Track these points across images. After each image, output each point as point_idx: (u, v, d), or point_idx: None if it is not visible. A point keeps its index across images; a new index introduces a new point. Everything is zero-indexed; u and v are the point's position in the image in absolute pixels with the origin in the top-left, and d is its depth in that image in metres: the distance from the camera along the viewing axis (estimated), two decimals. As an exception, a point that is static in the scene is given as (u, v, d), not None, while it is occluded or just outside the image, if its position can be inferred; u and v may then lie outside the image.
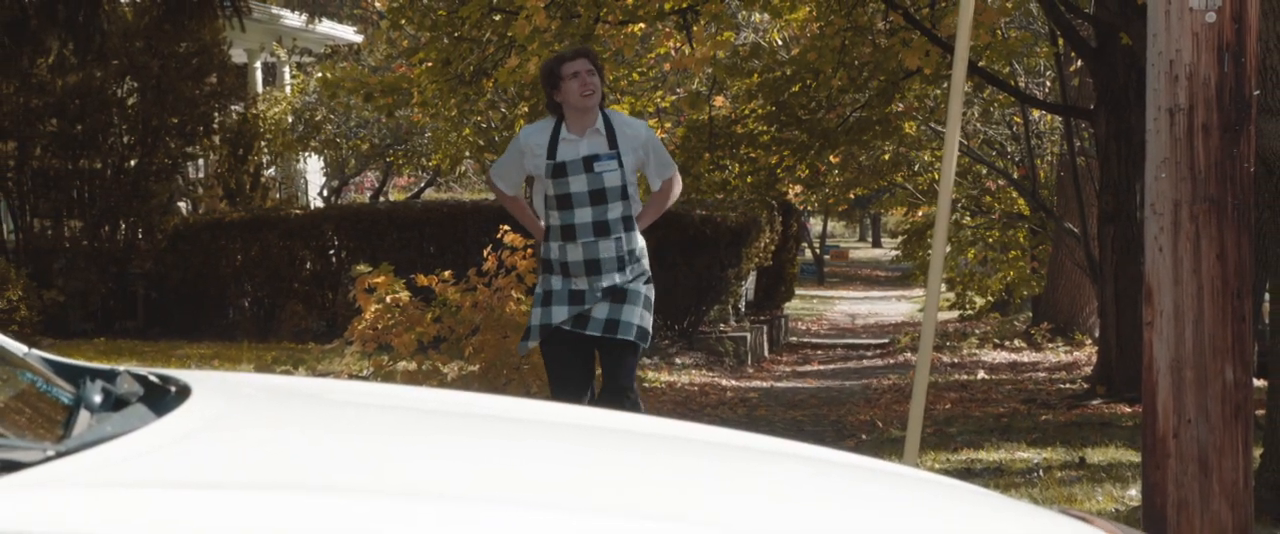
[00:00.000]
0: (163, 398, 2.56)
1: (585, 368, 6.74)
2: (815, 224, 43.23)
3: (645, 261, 6.85)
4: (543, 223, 6.85)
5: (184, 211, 17.57)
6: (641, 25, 12.38)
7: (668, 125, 16.72)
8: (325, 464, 2.30)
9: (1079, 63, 15.19)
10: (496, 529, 1.98)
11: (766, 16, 16.04)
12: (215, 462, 2.23)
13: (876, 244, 57.00)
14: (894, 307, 30.42)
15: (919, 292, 29.73)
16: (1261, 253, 6.63)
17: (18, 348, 2.75)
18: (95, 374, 2.68)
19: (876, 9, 13.36)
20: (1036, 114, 19.12)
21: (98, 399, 2.50)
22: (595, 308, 6.68)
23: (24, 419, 2.41)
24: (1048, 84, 19.94)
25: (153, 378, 2.69)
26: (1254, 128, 4.53)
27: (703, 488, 2.47)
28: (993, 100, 19.13)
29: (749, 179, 16.14)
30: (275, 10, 19.85)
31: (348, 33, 22.25)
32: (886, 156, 19.48)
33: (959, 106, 5.62)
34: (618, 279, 6.67)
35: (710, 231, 16.93)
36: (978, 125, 20.93)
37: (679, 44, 12.92)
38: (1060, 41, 14.43)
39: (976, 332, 21.42)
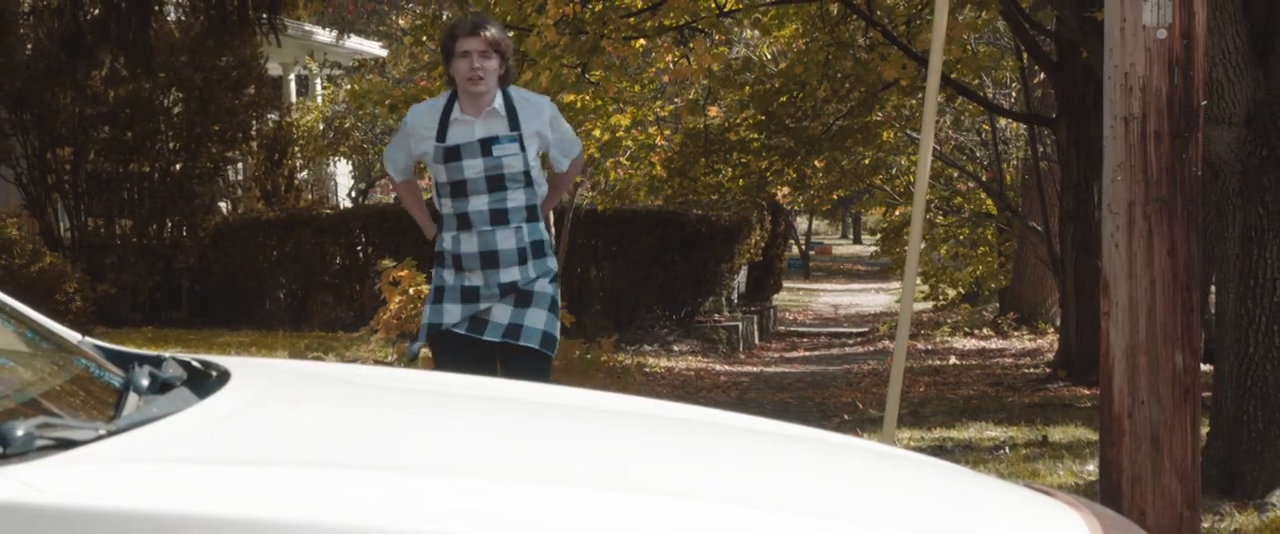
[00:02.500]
0: (205, 381, 2.55)
1: None
2: (801, 223, 43.19)
3: (552, 258, 5.62)
4: (440, 212, 5.64)
5: (224, 211, 17.57)
6: (643, 41, 12.37)
7: (667, 132, 16.71)
8: (356, 442, 2.29)
9: (1042, 75, 15.17)
10: (520, 502, 1.97)
11: (757, 33, 16.03)
12: (255, 440, 2.22)
13: (857, 241, 56.94)
14: (873, 298, 30.40)
15: (896, 284, 29.70)
16: (1208, 249, 6.64)
17: (72, 335, 2.74)
18: (142, 360, 2.67)
19: (857, 26, 13.35)
20: (1003, 122, 19.11)
21: (145, 382, 2.49)
22: (495, 309, 5.47)
23: (78, 401, 2.40)
24: (1013, 95, 19.93)
25: (195, 363, 2.68)
26: (1201, 135, 4.53)
27: (688, 463, 2.46)
28: (963, 110, 19.11)
29: (741, 182, 16.13)
30: (308, 27, 19.84)
31: (374, 48, 22.24)
32: (866, 161, 19.46)
33: (933, 115, 5.62)
34: (517, 275, 5.45)
35: (705, 230, 16.93)
36: (950, 132, 20.91)
37: (677, 58, 12.92)
38: (1025, 56, 14.42)
39: (948, 321, 21.42)
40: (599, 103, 13.53)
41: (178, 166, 16.30)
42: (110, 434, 2.07)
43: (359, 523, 1.83)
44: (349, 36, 21.35)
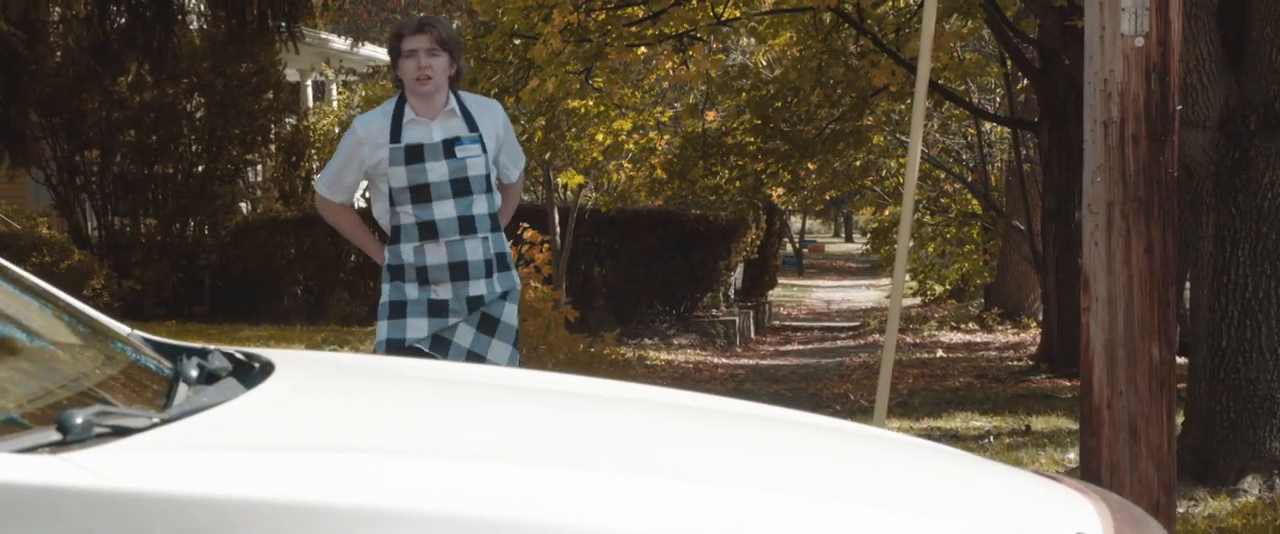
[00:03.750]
0: (250, 372, 2.55)
1: None
2: (795, 222, 43.18)
3: (515, 272, 5.16)
4: (391, 224, 5.05)
5: (244, 211, 17.58)
6: (644, 49, 12.37)
7: (667, 136, 16.71)
8: (398, 430, 2.29)
9: (1025, 81, 15.17)
10: (554, 488, 1.95)
11: (753, 41, 16.03)
12: (301, 428, 2.22)
13: (849, 239, 56.90)
14: (864, 294, 30.38)
15: (886, 281, 29.70)
16: (1184, 247, 6.65)
17: (121, 328, 2.74)
18: (190, 352, 2.67)
19: (849, 34, 13.35)
20: (988, 126, 19.10)
21: (193, 373, 2.49)
22: (459, 329, 5.02)
23: (131, 391, 2.40)
24: (998, 100, 19.92)
25: (239, 355, 2.68)
26: (1177, 138, 4.54)
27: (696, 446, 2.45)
28: (950, 114, 19.11)
29: (738, 184, 16.13)
30: (324, 35, 19.83)
31: (386, 55, 22.21)
32: (858, 163, 19.45)
33: (921, 119, 5.62)
34: (484, 289, 4.99)
35: (704, 229, 16.94)
36: (937, 136, 20.91)
37: (676, 65, 12.92)
38: (1009, 63, 14.42)
39: (936, 316, 21.41)
40: (602, 108, 13.53)
41: (200, 168, 16.31)
42: (164, 422, 2.07)
43: (406, 506, 1.83)
44: (363, 44, 21.33)
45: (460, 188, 4.94)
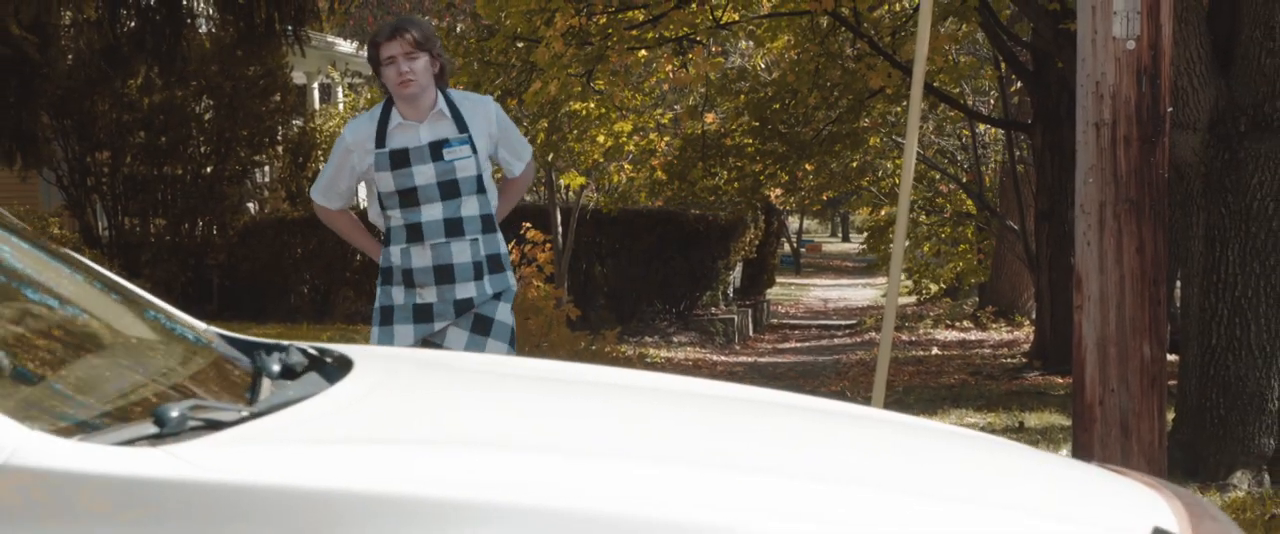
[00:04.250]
0: (329, 368, 2.53)
1: None
2: (793, 222, 43.18)
3: (511, 274, 4.94)
4: (384, 226, 4.94)
5: (252, 211, 17.58)
6: (644, 52, 12.38)
7: (667, 138, 16.71)
8: (483, 424, 2.28)
9: (1019, 84, 15.17)
10: (636, 480, 1.94)
11: (751, 44, 16.03)
12: (389, 421, 2.22)
13: (845, 239, 56.89)
14: (861, 292, 30.38)
15: (882, 279, 29.68)
16: (1174, 247, 6.64)
17: (199, 324, 2.73)
18: (267, 348, 2.66)
19: (846, 37, 13.35)
20: (982, 128, 19.10)
21: (275, 368, 2.49)
22: (449, 333, 4.84)
23: (216, 385, 2.40)
24: (992, 102, 19.92)
25: (312, 350, 2.67)
26: (1168, 139, 4.54)
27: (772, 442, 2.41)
28: (945, 116, 19.11)
29: (736, 184, 16.13)
30: (330, 39, 19.83)
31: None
32: (854, 164, 19.45)
33: (916, 121, 5.62)
34: (474, 291, 4.79)
35: (703, 229, 16.94)
36: (932, 137, 20.90)
37: (676, 67, 12.93)
38: (1003, 65, 14.42)
39: (931, 314, 21.41)
40: (603, 111, 13.54)
41: (208, 169, 16.32)
42: (252, 416, 2.06)
43: (502, 500, 1.81)
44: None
45: (449, 190, 4.77)
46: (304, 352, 2.63)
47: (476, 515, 1.79)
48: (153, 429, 1.92)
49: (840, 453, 2.37)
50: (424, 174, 4.76)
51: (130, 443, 1.86)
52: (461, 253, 4.78)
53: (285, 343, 2.71)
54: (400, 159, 4.78)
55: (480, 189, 4.81)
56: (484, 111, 4.89)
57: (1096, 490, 2.39)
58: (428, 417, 2.29)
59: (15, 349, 2.15)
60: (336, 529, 1.77)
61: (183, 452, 1.84)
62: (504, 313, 4.86)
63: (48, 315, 2.37)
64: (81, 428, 1.89)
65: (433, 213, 4.77)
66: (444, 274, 4.78)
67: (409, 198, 4.78)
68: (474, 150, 4.79)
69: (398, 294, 4.85)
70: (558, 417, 2.41)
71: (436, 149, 4.77)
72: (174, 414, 1.94)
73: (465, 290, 4.79)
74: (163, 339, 2.55)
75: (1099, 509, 2.25)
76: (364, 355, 2.62)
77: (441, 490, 1.82)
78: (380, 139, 4.81)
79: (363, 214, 5.49)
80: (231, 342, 2.74)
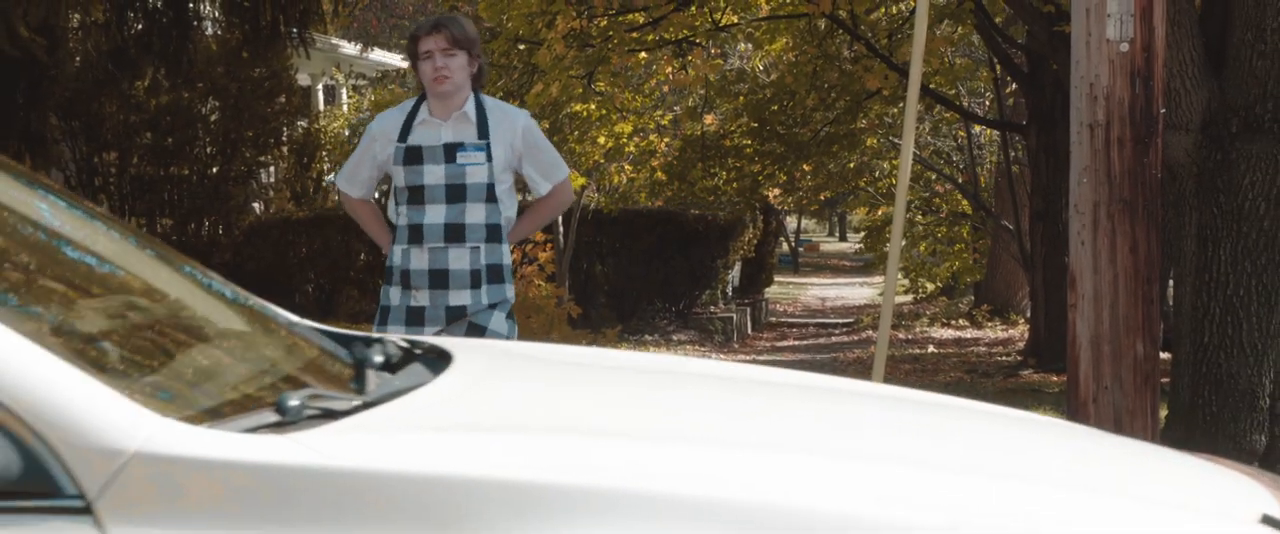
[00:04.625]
0: (427, 359, 2.51)
1: None
2: (791, 221, 43.19)
3: (510, 286, 4.76)
4: (396, 223, 4.84)
5: (257, 211, 17.58)
6: (645, 54, 12.38)
7: (667, 139, 16.72)
8: (595, 413, 2.27)
9: (1014, 85, 15.17)
10: (737, 466, 1.91)
11: (750, 46, 16.03)
12: (502, 410, 2.20)
13: (843, 238, 56.90)
14: (858, 291, 30.38)
15: (879, 278, 29.68)
16: (1167, 246, 6.65)
17: (293, 317, 2.72)
18: (363, 340, 2.65)
19: (843, 40, 13.36)
20: (978, 129, 19.11)
21: (376, 360, 2.47)
22: (439, 340, 4.65)
23: (323, 376, 2.38)
24: (987, 103, 19.92)
25: (404, 342, 2.65)
26: (1161, 140, 4.54)
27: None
28: (941, 117, 19.11)
29: (735, 184, 16.14)
30: (334, 41, 19.83)
31: (395, 60, 22.22)
32: (851, 165, 19.47)
33: (912, 122, 5.62)
34: (468, 300, 4.64)
35: (702, 228, 16.94)
36: (928, 138, 20.91)
37: (676, 69, 12.94)
38: (998, 67, 14.42)
39: (927, 312, 21.41)
40: (603, 112, 13.54)
41: (214, 170, 16.32)
42: (367, 405, 2.05)
43: (628, 486, 1.79)
44: (372, 49, 21.34)
45: (455, 194, 4.63)
46: (398, 344, 2.62)
47: (623, 504, 1.77)
48: (274, 417, 1.92)
49: (954, 443, 2.34)
50: (434, 174, 4.65)
51: (255, 431, 1.86)
52: (459, 260, 4.64)
53: (377, 335, 2.69)
54: (414, 156, 4.68)
55: (490, 198, 4.66)
56: (511, 123, 4.75)
57: (1206, 479, 2.35)
58: (541, 406, 2.27)
59: (130, 340, 2.15)
60: (473, 516, 1.75)
61: (309, 439, 1.83)
62: (497, 322, 4.70)
63: (154, 308, 2.37)
64: (206, 416, 1.88)
65: (435, 215, 4.65)
66: (439, 279, 4.65)
67: (417, 196, 4.67)
68: (489, 158, 4.65)
69: (395, 295, 4.75)
70: (668, 407, 2.39)
71: (451, 151, 4.66)
72: (294, 403, 1.94)
73: (459, 297, 4.65)
74: (264, 331, 2.54)
75: (1220, 499, 2.21)
76: (461, 347, 2.60)
77: (587, 478, 1.79)
78: (403, 132, 4.73)
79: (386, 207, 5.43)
80: (326, 334, 2.72)
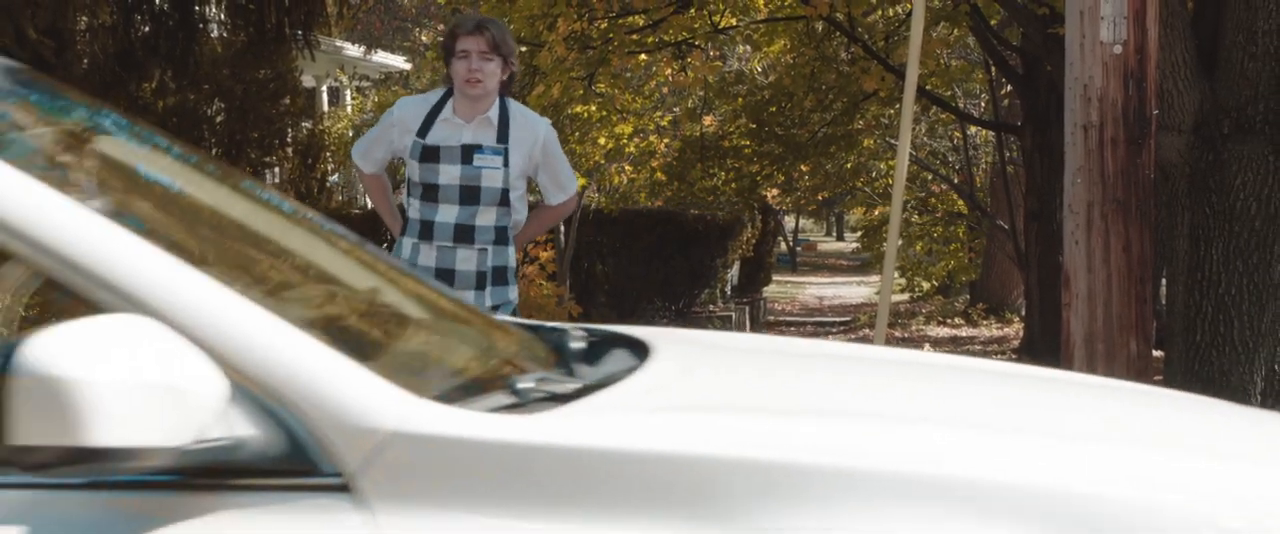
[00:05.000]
0: (623, 346, 2.49)
1: None
2: (789, 221, 43.19)
3: (514, 288, 4.75)
4: (407, 215, 4.79)
5: None
6: (645, 56, 12.38)
7: (666, 140, 16.72)
8: (818, 395, 2.26)
9: (1008, 87, 15.17)
10: (937, 441, 1.90)
11: (748, 48, 16.03)
12: (726, 392, 2.20)
13: (840, 238, 56.90)
14: (855, 290, 30.38)
15: (875, 277, 29.68)
16: (1160, 246, 6.65)
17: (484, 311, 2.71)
18: (551, 329, 2.63)
19: (840, 42, 13.36)
20: (973, 129, 19.11)
21: (573, 346, 2.47)
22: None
23: (532, 361, 2.38)
24: (982, 104, 19.92)
25: (590, 330, 2.64)
26: (1154, 141, 4.55)
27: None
28: (937, 118, 19.12)
29: (734, 185, 16.13)
30: (339, 43, 19.84)
31: (399, 62, 22.24)
32: (849, 165, 19.47)
33: (909, 123, 5.63)
34: (471, 300, 4.41)
35: (702, 228, 16.94)
36: (925, 139, 20.91)
37: (675, 71, 12.94)
38: (993, 69, 14.42)
39: (923, 311, 21.42)
40: (604, 113, 13.55)
41: (220, 170, 16.33)
42: (588, 389, 2.05)
43: (877, 466, 1.77)
44: (376, 52, 21.34)
45: (469, 195, 4.59)
46: (585, 331, 2.60)
47: (877, 484, 1.75)
48: (508, 400, 1.93)
49: (1150, 422, 2.32)
50: (449, 174, 4.60)
51: (499, 411, 1.87)
52: (467, 261, 4.62)
53: (561, 325, 2.68)
54: (430, 154, 4.62)
55: (503, 202, 4.63)
56: (532, 131, 4.70)
57: None
58: (768, 388, 2.26)
59: (360, 325, 2.16)
60: (722, 495, 1.73)
61: (553, 420, 1.83)
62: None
63: (366, 296, 2.38)
64: (448, 397, 1.89)
65: (448, 215, 4.60)
66: (445, 278, 4.61)
67: (430, 194, 4.63)
68: (506, 164, 4.61)
69: None
70: (883, 390, 2.37)
71: (468, 152, 4.61)
72: (525, 385, 1.95)
73: (463, 297, 4.52)
74: (462, 317, 2.54)
75: None
76: (651, 335, 2.57)
77: (839, 458, 1.78)
78: (424, 127, 4.66)
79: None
80: (518, 324, 2.72)
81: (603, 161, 15.00)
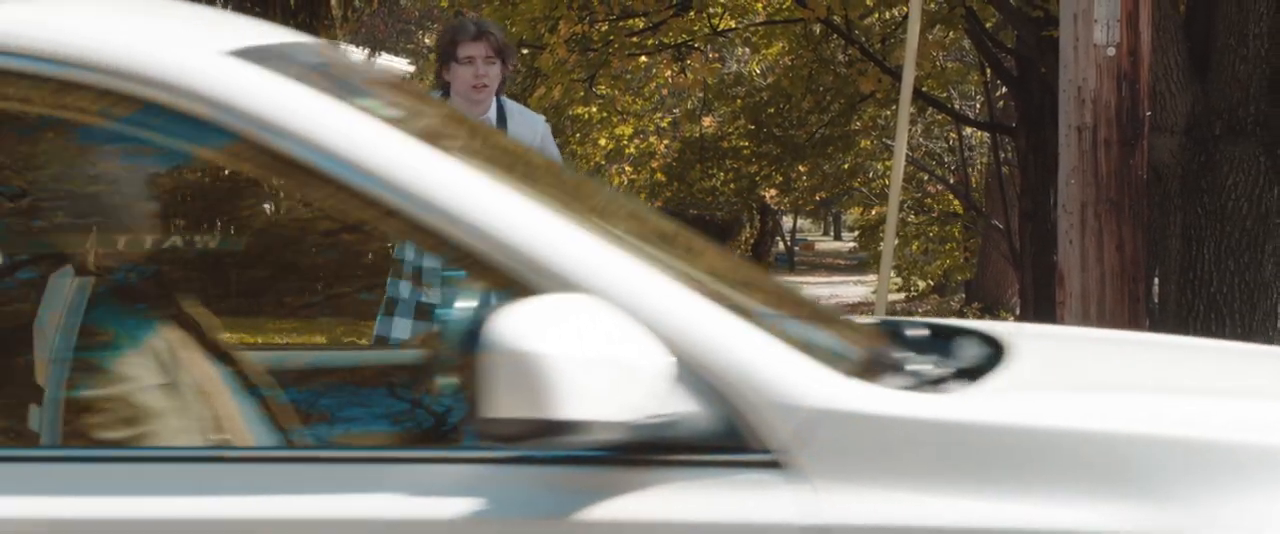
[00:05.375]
0: (966, 336, 2.44)
1: None
2: (787, 221, 43.16)
3: None
4: None
5: (268, 213, 17.59)
6: (645, 58, 12.40)
7: (666, 141, 16.73)
8: (1181, 377, 2.25)
9: (1004, 88, 15.18)
10: None
11: (747, 50, 16.04)
12: (1115, 375, 2.21)
13: (838, 237, 56.82)
14: (852, 289, 30.33)
15: (872, 277, 29.63)
16: (1152, 245, 6.65)
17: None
18: (891, 323, 2.60)
19: (838, 44, 13.36)
20: (968, 131, 19.10)
21: (927, 339, 2.42)
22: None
23: (896, 345, 2.33)
24: (978, 106, 19.91)
25: (933, 325, 2.59)
26: (1147, 142, 4.56)
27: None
28: (933, 120, 19.11)
29: (733, 185, 16.16)
30: (342, 46, 19.85)
31: (401, 64, 22.24)
32: (846, 166, 19.46)
33: (905, 124, 5.63)
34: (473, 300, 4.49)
35: (701, 228, 16.96)
36: (921, 140, 20.90)
37: (675, 73, 12.96)
38: (988, 71, 14.42)
39: (920, 310, 21.41)
40: (604, 114, 13.56)
41: (226, 171, 16.33)
42: (959, 375, 2.03)
43: (1213, 437, 1.76)
44: (380, 54, 21.35)
45: None
46: (918, 322, 2.58)
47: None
48: (906, 380, 1.93)
49: None
50: None
51: (912, 390, 1.87)
52: None
53: (897, 318, 2.65)
54: None
55: None
56: (531, 127, 4.66)
57: None
58: (1149, 372, 2.25)
59: (751, 309, 2.11)
60: (1152, 472, 1.72)
61: (967, 399, 1.83)
62: None
63: (729, 278, 2.32)
64: (862, 378, 1.87)
65: None
66: (453, 278, 4.54)
67: None
68: None
69: (404, 288, 4.66)
70: (1259, 376, 2.35)
71: None
72: (918, 368, 1.96)
73: (468, 298, 4.54)
74: (809, 306, 2.49)
75: None
76: (989, 327, 2.53)
77: (1232, 435, 1.77)
78: None
79: None
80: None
81: (603, 162, 15.01)
